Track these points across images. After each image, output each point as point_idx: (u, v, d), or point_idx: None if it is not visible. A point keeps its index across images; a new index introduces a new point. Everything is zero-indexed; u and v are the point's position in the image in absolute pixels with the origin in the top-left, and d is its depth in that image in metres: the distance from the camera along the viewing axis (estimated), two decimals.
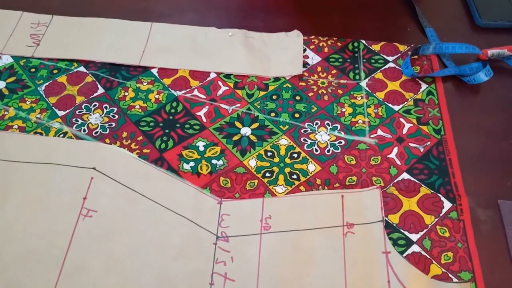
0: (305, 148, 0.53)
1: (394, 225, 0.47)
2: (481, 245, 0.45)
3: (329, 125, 0.55)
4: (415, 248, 0.45)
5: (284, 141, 0.53)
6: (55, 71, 0.60)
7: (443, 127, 0.55)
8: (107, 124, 0.54)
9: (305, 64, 0.61)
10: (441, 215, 0.47)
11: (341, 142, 0.53)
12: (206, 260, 0.44)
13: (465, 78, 0.59)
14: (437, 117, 0.56)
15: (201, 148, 0.52)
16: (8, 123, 0.54)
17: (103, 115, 0.55)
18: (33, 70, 0.60)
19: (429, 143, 0.53)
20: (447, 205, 0.48)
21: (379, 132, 0.54)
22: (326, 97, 0.58)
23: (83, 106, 0.56)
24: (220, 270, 0.44)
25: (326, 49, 0.63)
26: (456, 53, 0.62)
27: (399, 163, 0.51)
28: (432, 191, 0.49)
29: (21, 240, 0.45)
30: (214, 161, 0.51)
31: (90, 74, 0.59)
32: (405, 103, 0.57)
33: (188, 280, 0.43)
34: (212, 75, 0.60)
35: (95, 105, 0.56)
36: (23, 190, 0.48)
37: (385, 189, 0.49)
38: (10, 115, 0.55)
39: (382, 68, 0.61)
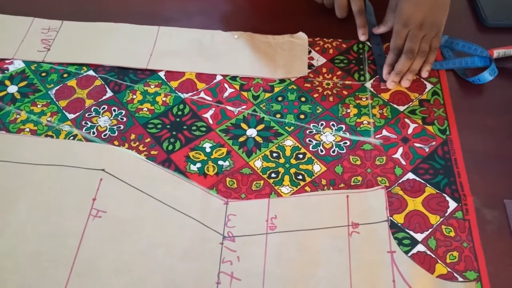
0: (311, 148, 0.53)
1: (399, 224, 0.47)
2: (486, 245, 0.45)
3: (334, 126, 0.55)
4: (420, 247, 0.45)
5: (289, 142, 0.54)
6: (65, 75, 0.61)
7: (449, 127, 0.55)
8: (115, 127, 0.55)
9: (310, 66, 0.62)
10: (446, 214, 0.48)
11: (346, 143, 0.54)
12: (213, 259, 0.45)
13: (470, 78, 0.59)
14: (442, 117, 0.56)
15: (208, 150, 0.53)
16: (20, 126, 0.55)
17: (111, 118, 0.56)
18: (44, 74, 0.61)
19: (434, 143, 0.53)
20: (452, 205, 0.48)
21: (384, 132, 0.54)
22: (331, 98, 0.58)
23: (92, 109, 0.57)
24: (226, 270, 0.44)
25: (331, 51, 0.63)
26: (463, 51, 0.61)
27: (404, 163, 0.52)
28: (437, 191, 0.49)
29: (32, 241, 0.46)
30: (220, 162, 0.52)
31: (99, 78, 0.60)
32: (410, 103, 0.57)
33: (195, 280, 0.44)
34: (218, 78, 0.60)
35: (104, 108, 0.57)
36: (34, 191, 0.49)
37: (390, 189, 0.49)
38: (22, 118, 0.56)
39: None
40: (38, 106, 0.57)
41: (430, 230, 0.46)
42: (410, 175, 0.51)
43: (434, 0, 0.58)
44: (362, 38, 0.63)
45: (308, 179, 0.50)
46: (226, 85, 0.60)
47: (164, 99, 0.58)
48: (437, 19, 0.58)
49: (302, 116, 0.56)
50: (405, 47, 0.58)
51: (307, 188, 0.50)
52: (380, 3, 0.67)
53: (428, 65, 0.59)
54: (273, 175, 0.51)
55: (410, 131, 0.54)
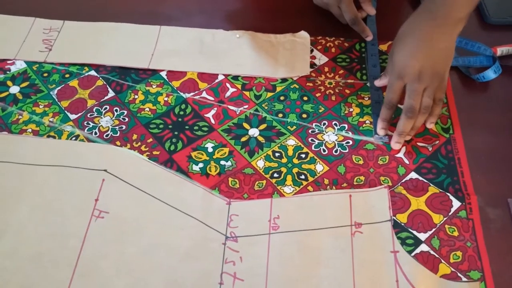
0: (313, 148, 0.53)
1: (402, 224, 0.47)
2: (490, 244, 0.45)
3: (336, 125, 0.55)
4: (423, 247, 0.45)
5: (291, 142, 0.54)
6: (67, 75, 0.61)
7: (452, 126, 0.54)
8: (117, 127, 0.55)
9: (312, 65, 0.61)
10: (450, 214, 0.47)
11: (348, 142, 0.53)
12: (216, 260, 0.45)
13: (474, 76, 0.59)
14: (445, 115, 0.55)
15: (210, 150, 0.53)
16: (22, 127, 0.55)
17: (113, 118, 0.56)
18: (45, 74, 0.61)
19: (437, 142, 0.53)
20: (456, 204, 0.48)
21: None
22: (333, 97, 0.58)
23: (94, 110, 0.57)
24: (229, 270, 0.44)
25: (333, 50, 0.63)
26: (466, 49, 0.61)
27: (407, 162, 0.51)
28: (441, 190, 0.49)
29: (34, 242, 0.46)
30: (222, 162, 0.52)
31: (100, 78, 0.60)
32: None
33: (198, 280, 0.44)
34: (220, 77, 0.60)
35: (105, 108, 0.57)
36: (36, 192, 0.49)
37: (393, 188, 0.49)
38: (24, 119, 0.56)
39: None
40: (40, 106, 0.57)
41: (434, 229, 0.46)
42: (413, 175, 0.50)
43: (431, 46, 0.50)
44: (368, 39, 0.62)
45: (310, 179, 0.50)
46: (228, 85, 0.59)
47: (166, 99, 0.58)
48: (438, 68, 0.50)
49: (304, 116, 0.56)
50: (404, 104, 0.51)
51: (309, 187, 0.50)
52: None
53: (433, 117, 0.53)
54: (275, 175, 0.51)
55: None
